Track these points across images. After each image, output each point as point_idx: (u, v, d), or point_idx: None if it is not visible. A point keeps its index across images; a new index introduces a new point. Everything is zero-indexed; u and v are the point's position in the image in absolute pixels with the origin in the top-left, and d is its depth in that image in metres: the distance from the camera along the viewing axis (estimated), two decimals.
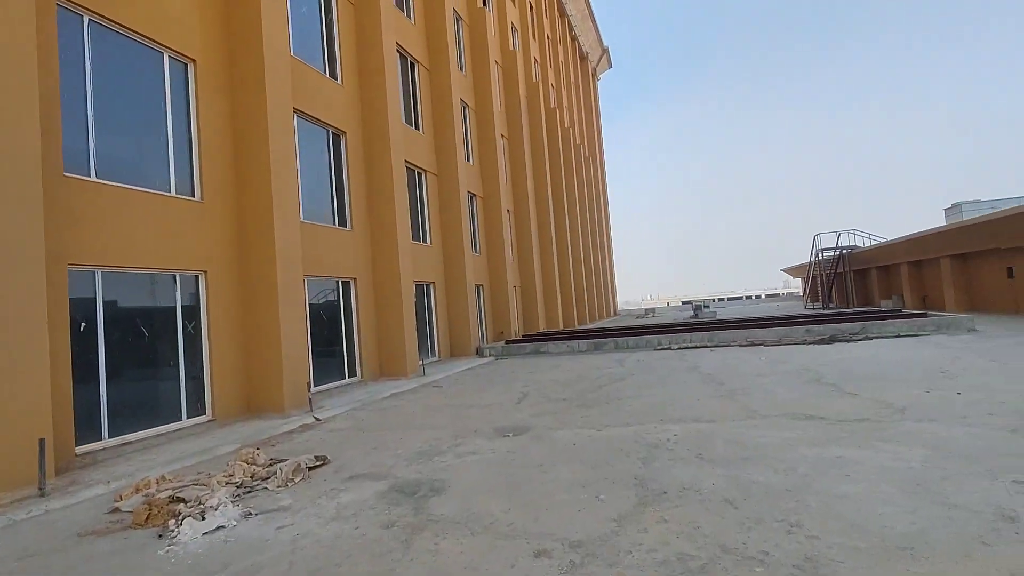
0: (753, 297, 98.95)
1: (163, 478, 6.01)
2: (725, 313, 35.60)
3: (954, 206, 29.92)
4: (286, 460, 6.25)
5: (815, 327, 15.21)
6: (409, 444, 6.86)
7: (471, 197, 20.73)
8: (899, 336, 14.11)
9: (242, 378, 9.37)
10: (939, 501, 3.79)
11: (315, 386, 11.35)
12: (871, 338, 14.18)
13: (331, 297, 12.52)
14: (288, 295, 9.54)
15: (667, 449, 5.65)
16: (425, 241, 17.07)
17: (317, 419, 9.00)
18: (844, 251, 29.61)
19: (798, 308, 34.88)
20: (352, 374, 12.76)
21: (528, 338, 20.21)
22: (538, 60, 33.63)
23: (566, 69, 40.99)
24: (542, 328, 27.08)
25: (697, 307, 33.36)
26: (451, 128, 18.10)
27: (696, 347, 15.45)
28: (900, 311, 17.72)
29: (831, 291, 31.07)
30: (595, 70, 53.40)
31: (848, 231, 29.39)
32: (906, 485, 4.13)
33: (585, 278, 37.45)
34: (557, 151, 32.93)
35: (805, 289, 38.00)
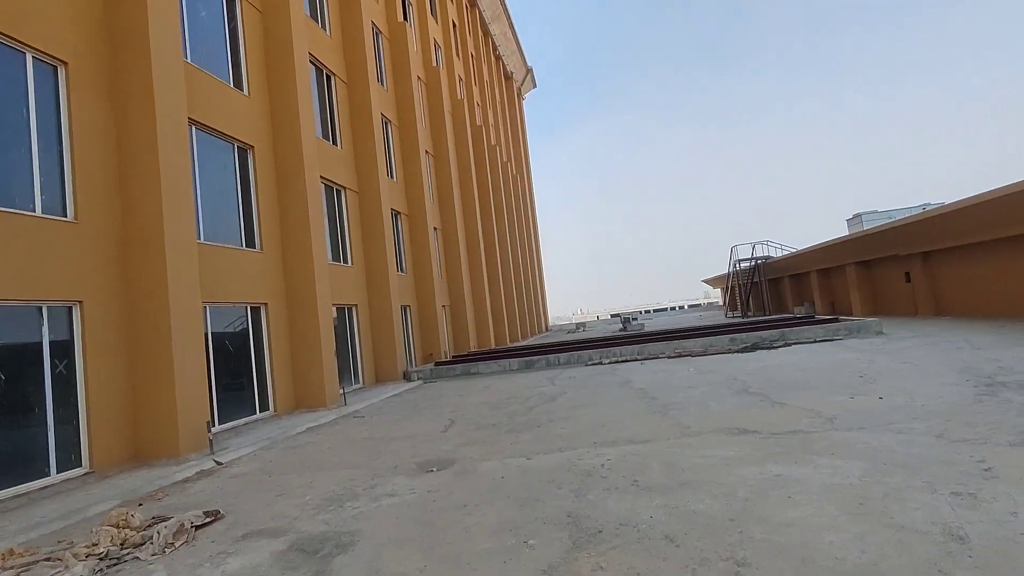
0: (677, 308, 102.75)
1: (11, 552, 4.98)
2: (652, 325, 36.41)
3: (855, 216, 32.21)
4: (169, 519, 5.36)
5: (738, 335, 15.55)
6: (320, 488, 6.11)
7: (395, 215, 20.00)
8: (815, 341, 14.64)
9: (128, 421, 8.23)
10: (886, 523, 3.57)
11: (220, 424, 10.25)
12: (790, 344, 14.63)
13: (240, 325, 11.45)
14: (183, 325, 8.52)
15: (601, 477, 5.26)
16: (346, 262, 16.19)
17: (218, 463, 8.01)
18: (759, 261, 31.05)
19: (719, 317, 36.23)
20: (264, 408, 11.69)
21: (458, 359, 19.58)
22: (463, 78, 33.49)
23: (491, 88, 41.15)
24: (474, 348, 26.52)
25: (625, 320, 33.90)
26: (372, 143, 17.39)
27: (627, 360, 15.41)
28: (813, 317, 18.55)
29: (748, 300, 32.46)
30: (520, 90, 54.07)
31: (762, 242, 30.93)
32: (850, 505, 3.91)
33: (516, 296, 37.28)
34: (484, 168, 32.75)
35: (724, 299, 39.63)
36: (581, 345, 18.85)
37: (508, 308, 34.70)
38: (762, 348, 14.53)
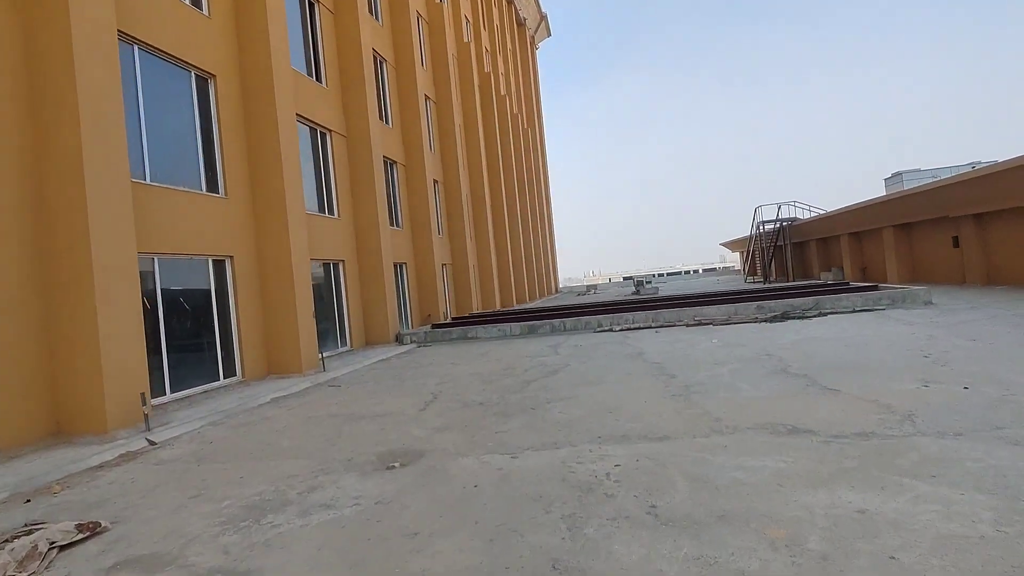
0: (692, 272, 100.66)
1: None
2: (667, 289, 34.80)
3: (894, 175, 29.88)
4: (39, 530, 4.08)
5: (765, 303, 13.98)
6: (249, 487, 4.80)
7: (390, 164, 18.36)
8: (854, 311, 13.03)
9: (44, 392, 6.95)
10: None
11: (173, 392, 9.01)
12: (825, 314, 13.05)
13: (200, 280, 10.09)
14: (113, 281, 7.14)
15: (605, 495, 3.86)
16: (331, 212, 14.70)
17: (151, 442, 6.75)
18: (784, 223, 29.09)
19: (738, 283, 34.48)
20: (231, 373, 10.44)
21: (458, 321, 18.26)
22: (470, 19, 31.13)
23: (501, 33, 38.59)
24: (477, 310, 25.21)
25: (639, 283, 32.28)
26: (362, 82, 15.63)
27: (640, 328, 13.95)
28: (848, 284, 16.87)
29: (771, 265, 30.65)
30: (533, 38, 51.13)
31: (788, 203, 28.88)
32: None
33: (524, 255, 35.70)
34: (492, 119, 30.75)
35: (744, 263, 37.77)
36: (590, 309, 17.39)
37: (515, 269, 33.23)
38: (793, 318, 12.97)
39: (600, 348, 11.29)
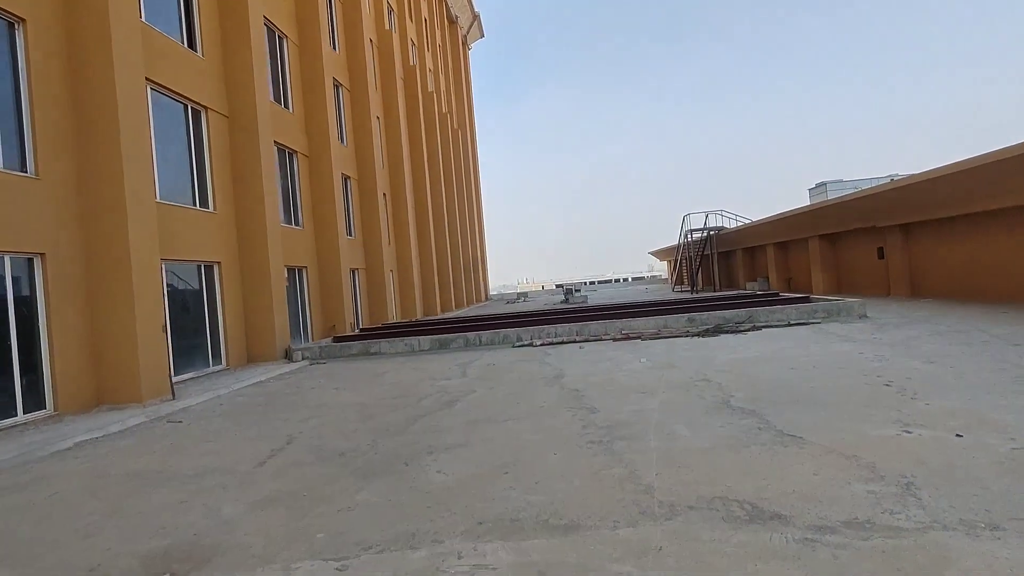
0: (621, 280, 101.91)
1: None
2: (597, 297, 33.97)
3: (819, 186, 30.34)
4: None
5: (696, 315, 12.89)
6: None
7: (286, 153, 16.12)
8: (790, 324, 12.14)
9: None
10: None
11: None
12: (759, 327, 12.08)
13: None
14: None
15: None
16: (204, 206, 12.37)
17: None
18: (711, 232, 28.84)
19: (666, 292, 34.15)
20: (39, 405, 8.04)
21: (366, 333, 16.23)
22: (394, 8, 29.08)
23: (430, 27, 36.73)
24: (395, 319, 23.20)
25: (568, 291, 31.27)
26: (249, 52, 13.42)
27: (563, 343, 12.50)
28: (778, 295, 16.21)
29: (698, 274, 30.36)
30: (466, 37, 49.57)
31: (716, 212, 28.65)
32: None
33: (452, 261, 33.89)
34: (417, 114, 28.82)
35: (672, 272, 37.63)
36: (513, 320, 15.86)
37: (441, 275, 31.39)
38: (727, 332, 11.91)
39: (515, 368, 9.70)
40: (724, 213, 28.52)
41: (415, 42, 33.16)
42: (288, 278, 15.74)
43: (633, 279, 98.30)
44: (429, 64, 36.43)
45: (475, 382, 8.73)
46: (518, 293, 49.40)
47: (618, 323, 12.92)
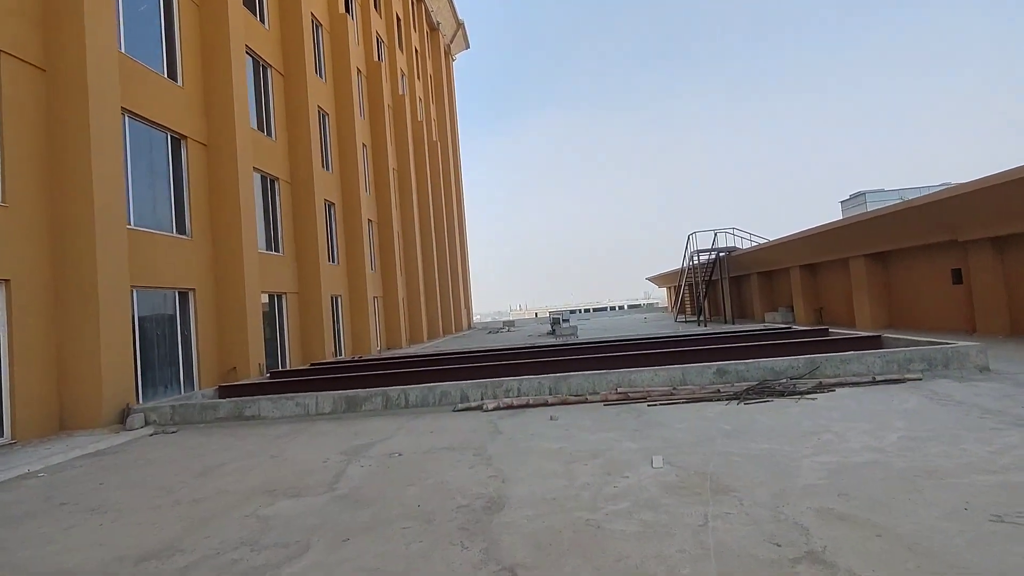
0: (616, 308, 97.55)
1: None
2: (589, 328, 29.69)
3: (855, 196, 26.36)
4: None
5: (727, 365, 8.63)
6: None
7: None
8: (875, 382, 7.90)
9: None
10: None
11: None
12: (828, 385, 7.83)
13: None
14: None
15: None
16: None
17: None
18: (721, 254, 24.80)
19: (668, 322, 29.92)
20: None
21: (275, 379, 12.01)
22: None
23: (407, 33, 33.21)
24: (345, 355, 19.05)
25: (555, 321, 27.02)
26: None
27: (529, 406, 8.23)
28: (827, 331, 11.98)
29: (704, 302, 26.21)
30: (450, 47, 46.26)
31: (726, 230, 24.66)
32: None
33: (425, 289, 29.72)
34: (381, 113, 25.00)
35: (674, 300, 33.46)
36: (474, 360, 11.64)
37: (410, 302, 27.35)
38: (780, 392, 7.67)
39: (426, 470, 5.41)
40: (736, 232, 24.53)
41: (405, 71, 31.25)
42: (176, 304, 11.76)
43: (629, 307, 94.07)
44: (419, 93, 33.87)
45: (333, 513, 4.45)
46: (504, 322, 45.06)
47: (613, 376, 8.64)
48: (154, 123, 11.39)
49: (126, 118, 10.63)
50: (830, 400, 7.18)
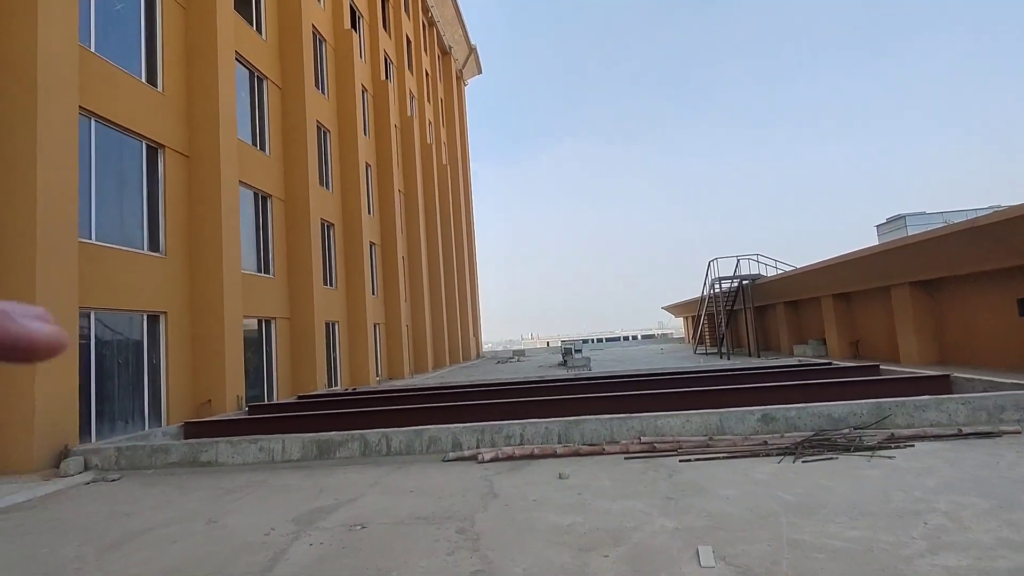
0: (630, 338, 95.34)
1: None
2: (602, 359, 28.14)
3: (893, 220, 24.79)
4: None
5: (773, 410, 7.16)
6: None
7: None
8: (962, 435, 6.40)
9: None
10: None
11: None
12: (901, 441, 6.34)
13: None
14: None
15: None
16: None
17: None
18: (745, 282, 23.31)
19: (687, 354, 28.29)
20: None
21: (255, 411, 10.75)
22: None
23: (417, 55, 32.73)
24: (340, 385, 17.79)
25: (567, 351, 25.54)
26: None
27: (532, 456, 6.81)
28: (878, 368, 10.45)
29: (727, 333, 24.61)
30: (462, 72, 45.96)
31: (750, 256, 23.22)
32: None
33: (430, 313, 28.54)
34: (388, 133, 24.17)
35: (694, 330, 31.83)
36: (464, 397, 10.24)
37: (415, 329, 26.16)
38: (842, 448, 6.19)
39: (393, 552, 4.00)
40: (761, 258, 23.08)
41: (414, 93, 30.55)
42: (149, 329, 10.61)
43: (643, 337, 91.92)
44: (429, 116, 33.35)
45: None
46: (514, 351, 43.55)
47: (635, 421, 7.20)
48: (127, 129, 10.36)
49: (93, 123, 9.67)
50: (912, 459, 5.70)
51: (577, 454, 6.82)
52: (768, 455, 6.23)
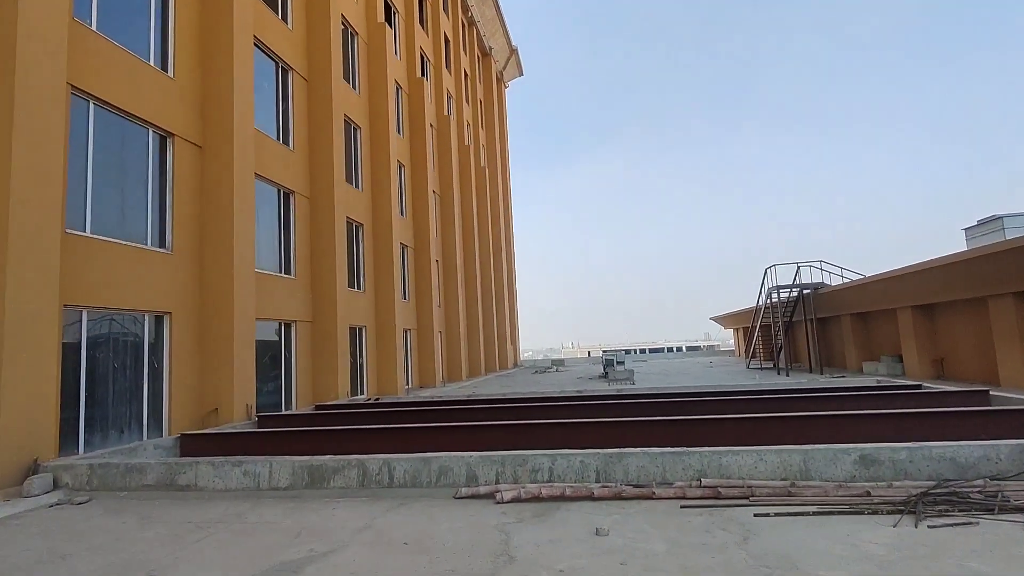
0: (675, 349, 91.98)
1: None
2: (646, 372, 26.40)
3: (984, 222, 22.31)
4: None
5: (874, 450, 5.60)
6: None
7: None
8: None
9: None
10: None
11: None
12: None
13: None
14: None
15: None
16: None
17: None
18: (806, 291, 21.25)
19: (739, 368, 26.25)
20: None
21: (265, 423, 9.83)
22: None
23: (456, 55, 31.96)
24: (351, 395, 16.77)
25: (608, 363, 23.97)
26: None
27: (563, 497, 5.46)
28: (1020, 402, 8.64)
29: (785, 347, 22.55)
30: (502, 73, 45.10)
31: (812, 263, 21.17)
32: None
33: (466, 320, 27.52)
34: (423, 133, 23.30)
35: (747, 342, 29.66)
36: (491, 411, 8.98)
37: (449, 334, 25.20)
38: (979, 506, 4.62)
39: None
40: (824, 265, 21.00)
41: (452, 93, 29.78)
42: (150, 334, 9.82)
43: (687, 348, 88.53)
44: (468, 117, 32.62)
45: None
46: (553, 360, 42.02)
47: (693, 458, 5.76)
48: (132, 115, 9.57)
49: (92, 106, 8.89)
50: None
51: (619, 497, 5.43)
52: (875, 512, 4.71)
